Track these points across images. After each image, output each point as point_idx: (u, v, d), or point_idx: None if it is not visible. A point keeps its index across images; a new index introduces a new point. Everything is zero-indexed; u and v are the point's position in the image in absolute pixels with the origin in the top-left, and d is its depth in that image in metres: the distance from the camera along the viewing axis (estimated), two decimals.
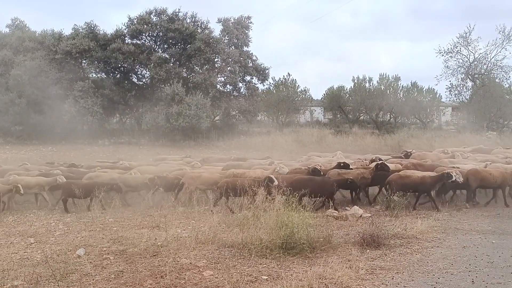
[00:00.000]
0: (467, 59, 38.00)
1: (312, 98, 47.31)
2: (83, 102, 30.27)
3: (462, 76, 38.53)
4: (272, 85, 43.31)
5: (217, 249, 7.41)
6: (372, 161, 14.49)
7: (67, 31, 35.69)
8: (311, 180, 11.11)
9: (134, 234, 8.46)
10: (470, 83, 38.85)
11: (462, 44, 37.33)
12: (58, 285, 5.76)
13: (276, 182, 10.56)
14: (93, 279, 6.08)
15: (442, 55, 38.11)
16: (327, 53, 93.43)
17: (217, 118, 38.52)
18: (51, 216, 10.61)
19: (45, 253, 7.28)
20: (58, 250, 7.51)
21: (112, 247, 7.65)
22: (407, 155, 16.43)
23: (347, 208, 10.72)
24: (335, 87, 45.54)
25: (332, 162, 14.50)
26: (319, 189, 10.76)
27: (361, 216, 9.86)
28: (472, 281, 5.99)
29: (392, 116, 42.66)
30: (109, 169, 14.48)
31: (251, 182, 10.73)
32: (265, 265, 6.64)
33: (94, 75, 34.91)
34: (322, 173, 11.98)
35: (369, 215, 10.08)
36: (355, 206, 10.53)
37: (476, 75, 38.40)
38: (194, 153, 26.56)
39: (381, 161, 12.71)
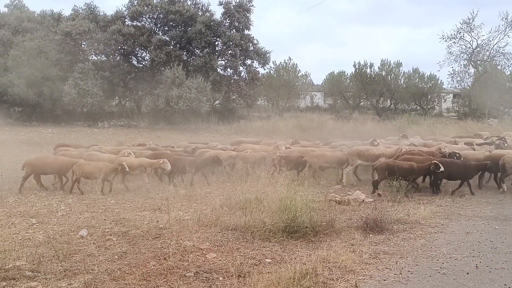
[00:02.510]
0: (470, 45, 37.83)
1: (312, 83, 47.13)
2: (83, 84, 29.99)
3: (464, 63, 38.39)
4: (273, 69, 43.01)
5: (220, 232, 7.38)
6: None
7: (67, 12, 35.52)
8: (453, 163, 11.22)
9: (136, 216, 8.44)
10: (472, 70, 38.71)
11: (466, 30, 37.10)
12: (61, 265, 5.74)
13: (442, 168, 10.59)
14: (96, 260, 6.06)
15: (446, 41, 37.94)
16: (327, 38, 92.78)
17: (217, 102, 38.28)
18: (52, 197, 10.55)
19: (48, 233, 7.25)
20: (60, 231, 7.48)
21: (115, 229, 7.62)
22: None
23: (348, 193, 10.72)
24: (335, 73, 45.36)
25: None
26: (460, 172, 10.98)
27: (363, 201, 9.85)
28: (476, 266, 5.99)
29: (392, 102, 42.54)
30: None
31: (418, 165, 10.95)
32: (268, 249, 6.63)
33: (94, 57, 34.57)
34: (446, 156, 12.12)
35: (372, 200, 10.07)
36: (357, 191, 10.51)
37: (478, 62, 38.19)
38: (194, 137, 26.54)
39: None
